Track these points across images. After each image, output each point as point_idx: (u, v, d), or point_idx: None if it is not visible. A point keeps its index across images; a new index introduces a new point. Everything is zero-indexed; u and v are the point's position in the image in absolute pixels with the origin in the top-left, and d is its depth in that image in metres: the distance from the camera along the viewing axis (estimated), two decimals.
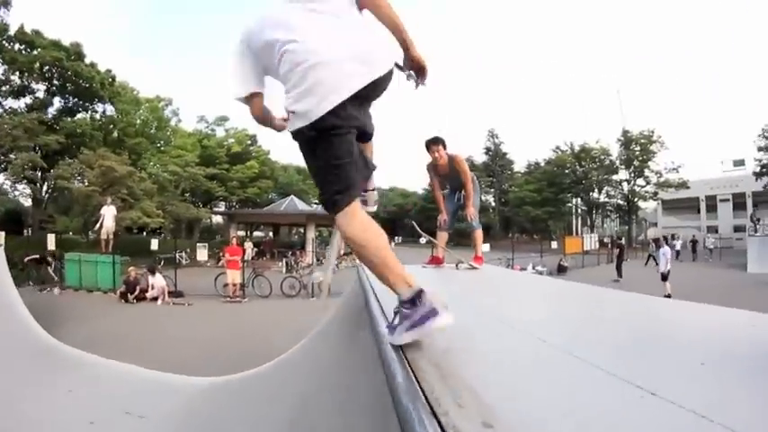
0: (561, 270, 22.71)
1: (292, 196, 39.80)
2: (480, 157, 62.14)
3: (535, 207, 54.24)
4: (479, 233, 5.45)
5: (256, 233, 44.76)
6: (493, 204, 61.42)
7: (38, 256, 16.45)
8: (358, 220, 1.83)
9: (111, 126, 39.15)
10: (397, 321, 1.68)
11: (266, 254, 32.68)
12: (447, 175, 5.40)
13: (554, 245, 31.68)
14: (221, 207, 45.63)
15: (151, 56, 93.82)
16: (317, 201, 52.22)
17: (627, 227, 53.51)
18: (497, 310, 2.75)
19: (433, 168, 5.43)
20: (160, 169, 36.96)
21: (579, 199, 56.57)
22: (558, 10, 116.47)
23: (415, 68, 2.03)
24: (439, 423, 0.97)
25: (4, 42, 30.97)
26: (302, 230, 36.76)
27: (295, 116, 1.80)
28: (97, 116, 37.85)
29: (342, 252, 30.73)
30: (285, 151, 66.65)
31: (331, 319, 4.71)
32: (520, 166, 64.14)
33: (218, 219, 47.32)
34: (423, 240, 5.91)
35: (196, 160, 39.66)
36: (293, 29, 1.86)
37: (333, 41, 1.83)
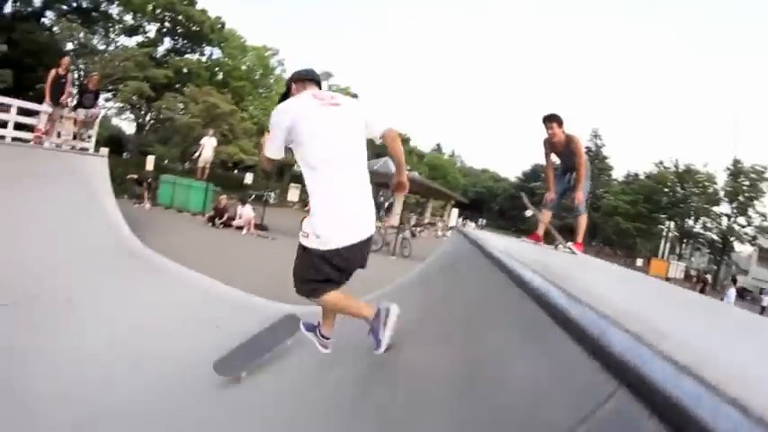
0: None
1: (386, 158, 39.93)
2: None
3: (626, 220, 50.60)
4: (584, 219, 5.22)
5: None
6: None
7: (137, 176, 17.37)
8: (335, 301, 2.83)
9: (217, 68, 40.96)
10: (372, 334, 2.75)
11: None
12: (561, 152, 5.27)
13: (638, 262, 29.96)
14: None
15: (264, 5, 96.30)
16: (410, 166, 52.05)
17: (716, 267, 49.13)
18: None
19: (548, 144, 5.29)
20: (261, 113, 38.04)
21: (673, 223, 52.45)
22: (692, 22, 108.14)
23: (397, 187, 3.12)
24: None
25: None
26: (390, 192, 36.99)
27: (316, 237, 2.64)
28: (204, 58, 39.62)
29: (426, 221, 30.70)
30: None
31: (422, 272, 4.62)
32: (618, 173, 60.65)
33: None
34: (528, 213, 5.81)
35: None
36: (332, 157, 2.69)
37: (356, 196, 2.73)
